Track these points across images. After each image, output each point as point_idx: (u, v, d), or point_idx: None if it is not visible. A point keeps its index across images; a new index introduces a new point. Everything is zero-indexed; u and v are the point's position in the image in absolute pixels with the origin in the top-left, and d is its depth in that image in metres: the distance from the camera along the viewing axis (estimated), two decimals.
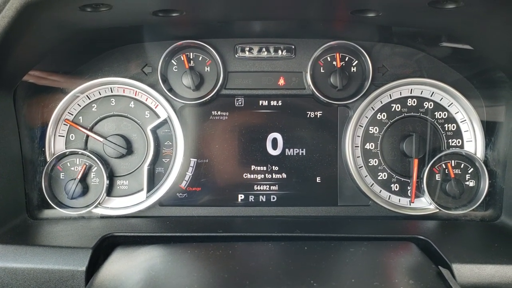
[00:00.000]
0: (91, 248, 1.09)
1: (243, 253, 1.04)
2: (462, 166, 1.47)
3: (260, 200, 1.50)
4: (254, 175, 1.50)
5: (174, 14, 1.19)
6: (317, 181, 1.50)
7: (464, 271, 1.02)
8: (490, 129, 1.46)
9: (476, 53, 1.33)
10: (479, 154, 1.46)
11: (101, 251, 1.13)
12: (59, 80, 1.46)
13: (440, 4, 1.05)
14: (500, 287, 1.02)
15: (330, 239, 1.17)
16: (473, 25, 1.17)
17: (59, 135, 1.46)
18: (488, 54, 1.30)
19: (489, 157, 1.45)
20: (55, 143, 1.46)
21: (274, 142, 1.50)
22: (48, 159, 1.44)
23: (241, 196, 1.50)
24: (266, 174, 1.50)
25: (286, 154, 1.50)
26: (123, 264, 1.03)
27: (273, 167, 1.50)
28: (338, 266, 0.94)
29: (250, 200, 1.50)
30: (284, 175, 1.50)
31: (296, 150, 1.50)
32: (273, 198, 1.50)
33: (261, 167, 1.50)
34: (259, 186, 1.50)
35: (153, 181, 1.48)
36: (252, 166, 1.50)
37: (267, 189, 1.50)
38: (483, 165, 1.44)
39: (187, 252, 1.03)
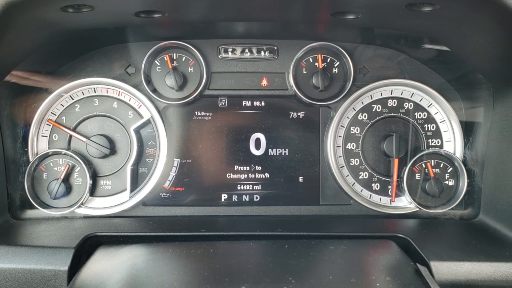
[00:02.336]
0: (73, 248, 1.09)
1: (224, 252, 1.05)
2: (441, 166, 1.50)
3: (244, 199, 1.51)
4: (238, 175, 1.51)
5: (156, 15, 1.19)
6: (300, 180, 1.52)
7: (442, 268, 1.05)
8: (468, 129, 1.48)
9: (454, 55, 1.36)
10: (458, 154, 1.49)
11: (83, 251, 1.13)
12: (42, 80, 1.46)
13: (417, 7, 1.07)
14: (477, 283, 1.04)
15: (311, 237, 1.18)
16: (450, 28, 1.19)
17: (42, 135, 1.46)
18: (466, 56, 1.32)
19: (468, 156, 1.48)
20: (38, 143, 1.46)
21: (257, 142, 1.51)
22: (31, 159, 1.43)
23: (224, 196, 1.51)
24: (249, 174, 1.51)
25: (269, 154, 1.51)
26: (105, 263, 1.03)
27: (256, 167, 1.52)
28: (317, 264, 0.95)
29: (233, 200, 1.51)
30: (267, 175, 1.52)
31: (279, 150, 1.52)
32: (256, 198, 1.52)
33: (244, 167, 1.51)
34: (242, 185, 1.52)
35: (136, 181, 1.48)
36: (236, 166, 1.51)
37: (250, 188, 1.52)
38: (462, 164, 1.47)
39: (169, 251, 1.04)
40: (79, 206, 1.43)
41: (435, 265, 1.05)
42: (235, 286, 0.80)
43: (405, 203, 1.50)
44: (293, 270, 0.90)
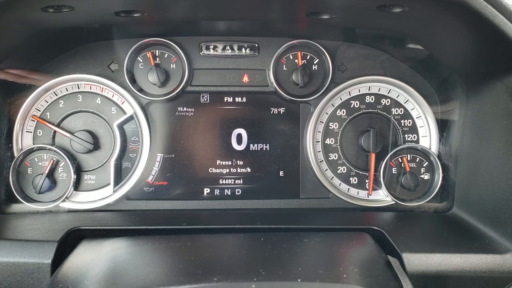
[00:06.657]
0: (56, 241, 1.11)
1: (201, 245, 1.08)
2: (417, 160, 1.53)
3: (225, 193, 1.54)
4: (220, 169, 1.54)
5: (136, 15, 1.22)
6: (280, 175, 1.55)
7: (413, 260, 1.07)
8: (443, 125, 1.52)
9: (429, 54, 1.39)
10: (434, 148, 1.52)
11: (67, 244, 1.16)
12: (26, 77, 1.47)
13: (387, 8, 1.10)
14: (446, 274, 1.07)
15: (290, 230, 1.20)
16: (421, 28, 1.22)
17: (26, 131, 1.48)
18: (439, 55, 1.36)
19: (442, 151, 1.52)
20: (23, 138, 1.47)
21: (239, 138, 1.54)
22: (15, 155, 1.45)
23: (206, 190, 1.54)
24: (231, 169, 1.54)
25: (251, 149, 1.54)
26: (87, 257, 1.06)
27: (238, 161, 1.55)
28: (289, 256, 0.98)
29: (215, 194, 1.54)
30: (249, 169, 1.55)
31: (260, 145, 1.55)
32: (238, 192, 1.55)
33: (226, 162, 1.54)
34: (224, 180, 1.55)
35: (120, 176, 1.50)
36: (218, 161, 1.54)
37: (232, 183, 1.55)
38: (437, 159, 1.50)
39: (148, 244, 1.07)
40: (63, 201, 1.45)
41: (407, 257, 1.07)
42: (207, 277, 0.83)
43: (382, 196, 1.54)
44: (264, 262, 0.93)
